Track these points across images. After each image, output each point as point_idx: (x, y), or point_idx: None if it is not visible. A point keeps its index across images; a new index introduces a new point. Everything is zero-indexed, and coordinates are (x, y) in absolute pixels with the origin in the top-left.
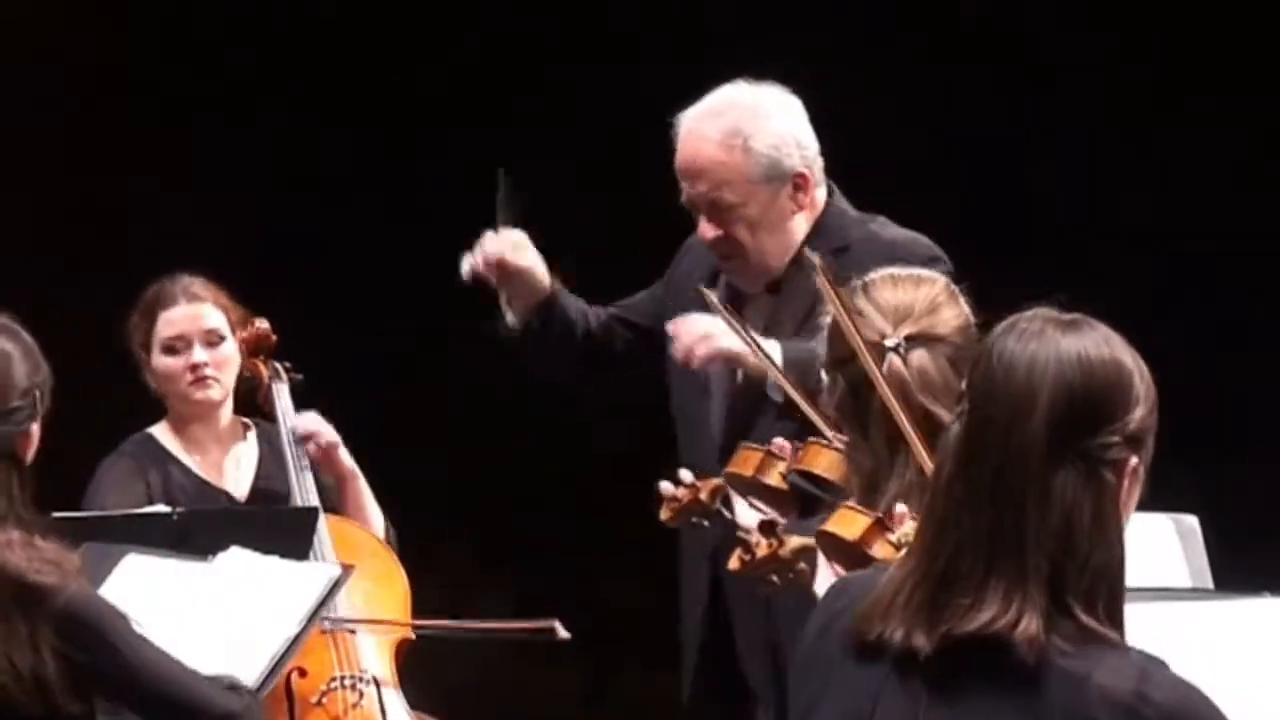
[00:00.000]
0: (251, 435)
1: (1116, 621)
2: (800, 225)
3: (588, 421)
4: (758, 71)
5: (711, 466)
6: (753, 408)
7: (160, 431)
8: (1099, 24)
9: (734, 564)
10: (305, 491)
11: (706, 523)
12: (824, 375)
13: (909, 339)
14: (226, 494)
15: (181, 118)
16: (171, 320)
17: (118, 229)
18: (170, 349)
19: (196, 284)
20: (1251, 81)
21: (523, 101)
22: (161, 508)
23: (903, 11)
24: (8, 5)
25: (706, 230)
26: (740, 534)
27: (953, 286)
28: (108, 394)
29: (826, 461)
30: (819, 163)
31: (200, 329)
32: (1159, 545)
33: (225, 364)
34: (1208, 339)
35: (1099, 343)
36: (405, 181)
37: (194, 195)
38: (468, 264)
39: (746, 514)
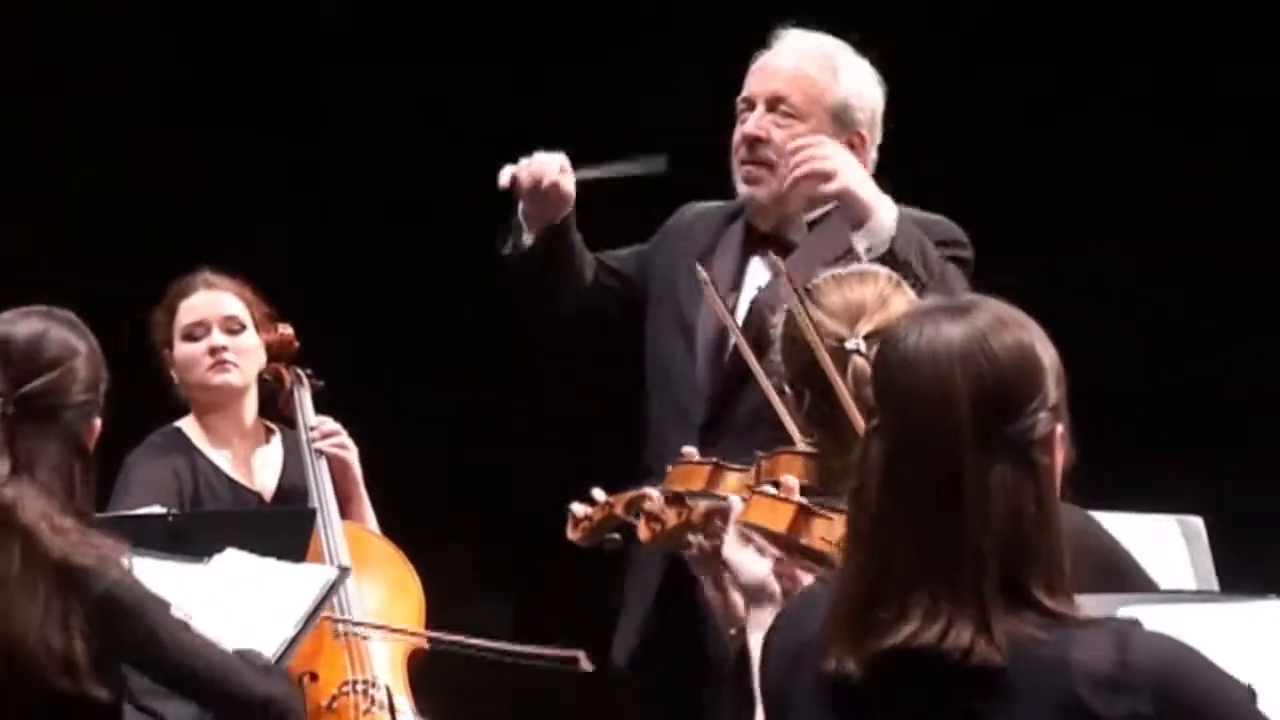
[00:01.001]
0: (275, 439)
1: (1070, 594)
2: None
3: (589, 425)
4: None
5: (688, 431)
6: (739, 368)
7: (188, 425)
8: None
9: (644, 534)
10: (324, 495)
11: (618, 536)
12: (787, 389)
13: (868, 337)
14: (257, 495)
15: (194, 119)
16: (191, 307)
17: (129, 231)
18: (190, 335)
19: (215, 275)
20: (1247, 82)
21: (532, 104)
22: (157, 509)
23: None
24: (9, 5)
25: (752, 125)
26: (645, 507)
27: (894, 276)
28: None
29: (801, 468)
30: (875, 148)
31: (219, 314)
32: (1165, 547)
33: (246, 352)
34: (1213, 341)
35: (994, 327)
36: (407, 184)
37: (205, 197)
38: (508, 173)
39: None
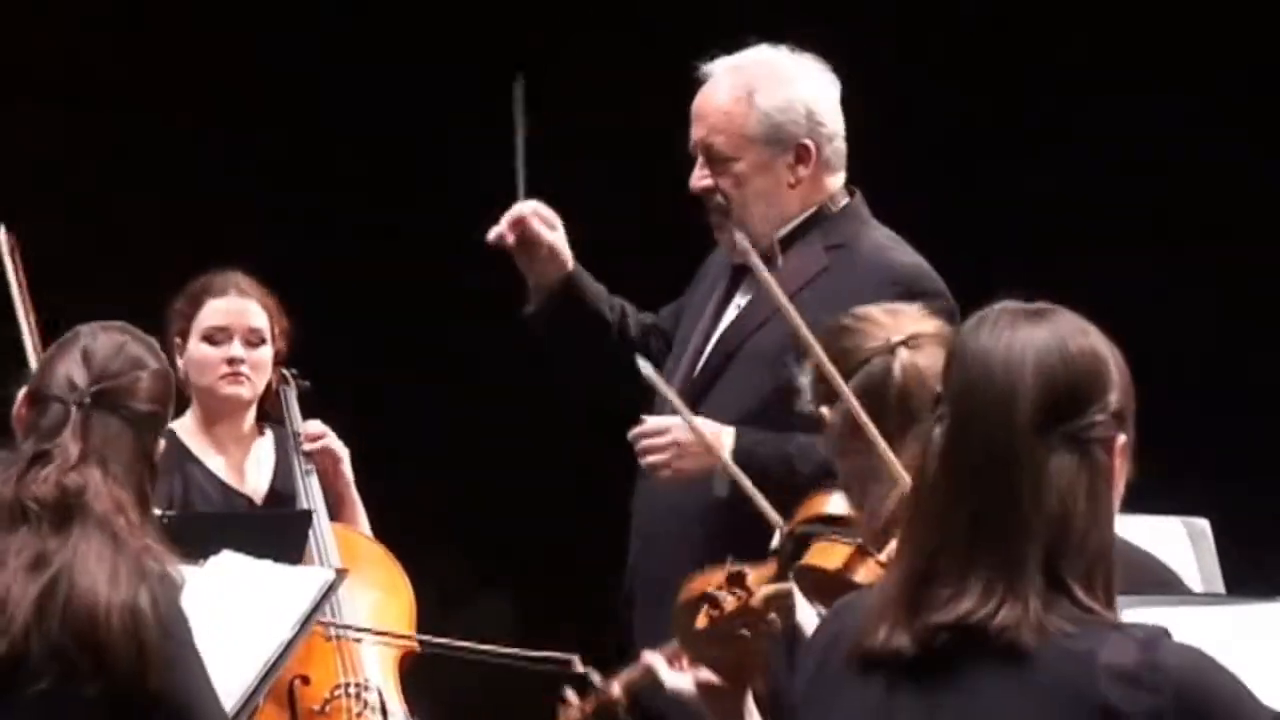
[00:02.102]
0: (268, 437)
1: (1113, 601)
2: (793, 201)
3: (588, 426)
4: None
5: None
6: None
7: (182, 428)
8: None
9: (702, 622)
10: (311, 496)
11: None
12: (824, 413)
13: (912, 337)
14: (248, 498)
15: (183, 120)
16: (218, 310)
17: (118, 232)
18: (210, 339)
19: (247, 281)
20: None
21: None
22: (153, 510)
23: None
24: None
25: (697, 178)
26: (707, 591)
27: (925, 309)
28: None
29: (836, 502)
30: (833, 145)
31: (244, 325)
32: (1170, 548)
33: (261, 366)
34: (1221, 342)
35: (1072, 331)
36: (406, 185)
37: (198, 199)
38: (494, 230)
39: (673, 680)
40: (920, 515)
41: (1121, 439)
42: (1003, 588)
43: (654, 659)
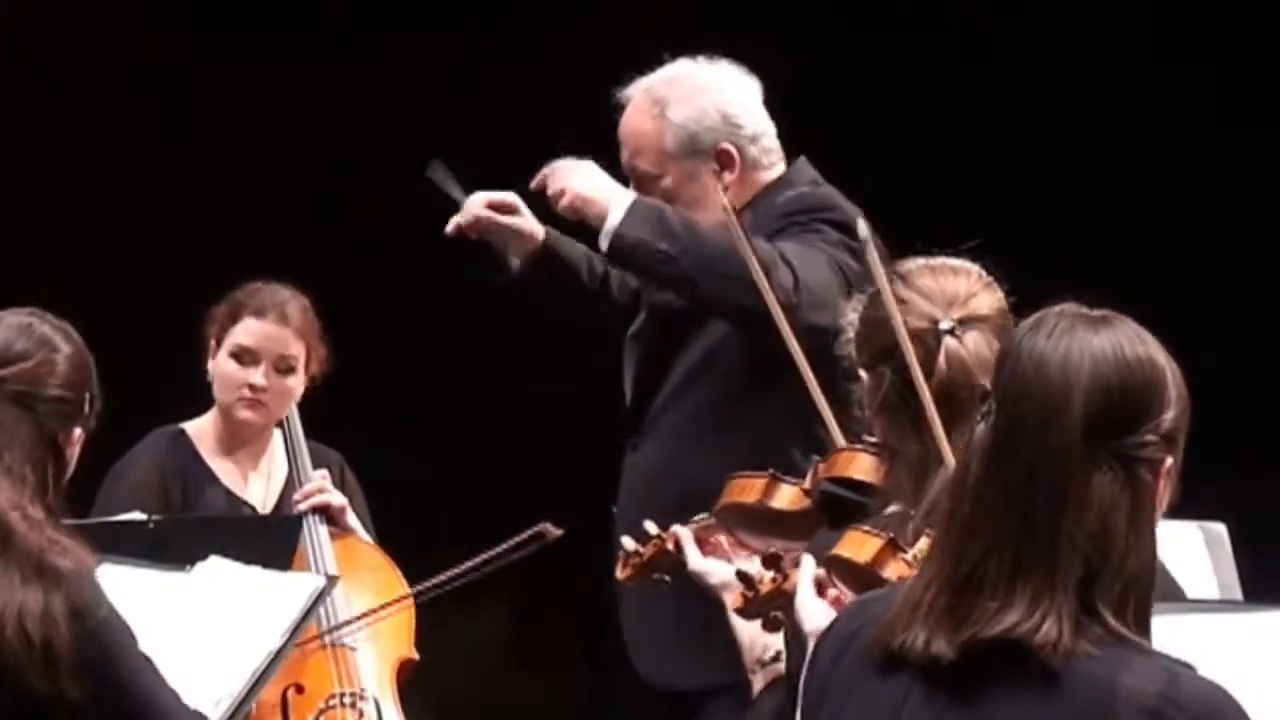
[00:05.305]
0: (279, 440)
1: (1144, 626)
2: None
3: (586, 424)
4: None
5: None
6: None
7: (195, 430)
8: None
9: (737, 601)
10: (318, 542)
11: (669, 578)
12: (862, 373)
13: (961, 322)
14: (254, 508)
15: (183, 117)
16: (252, 330)
17: (114, 230)
18: (238, 356)
19: (294, 305)
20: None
21: (522, 102)
22: (138, 515)
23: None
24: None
25: None
26: (741, 569)
27: (986, 276)
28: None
29: (865, 465)
30: (758, 144)
31: (276, 352)
32: (1186, 554)
33: (285, 395)
34: (1234, 341)
35: (1132, 339)
36: (402, 183)
37: (193, 195)
38: (451, 223)
39: (698, 561)
40: (962, 518)
41: (1169, 462)
42: (1046, 602)
43: (684, 533)
